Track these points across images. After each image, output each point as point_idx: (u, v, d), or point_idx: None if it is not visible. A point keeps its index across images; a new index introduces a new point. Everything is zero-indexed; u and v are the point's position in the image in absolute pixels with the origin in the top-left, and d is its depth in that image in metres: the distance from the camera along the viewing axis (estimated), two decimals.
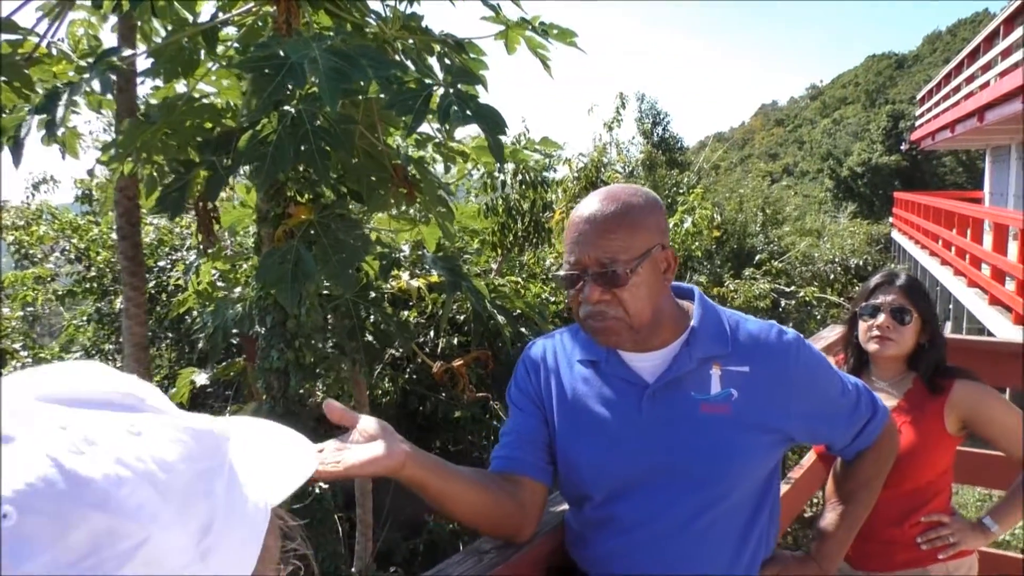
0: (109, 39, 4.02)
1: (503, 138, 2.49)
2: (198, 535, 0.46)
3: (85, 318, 5.98)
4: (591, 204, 1.45)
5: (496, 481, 1.49)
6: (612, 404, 1.51)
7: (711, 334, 1.51)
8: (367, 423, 1.29)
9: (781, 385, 1.48)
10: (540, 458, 1.57)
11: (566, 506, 1.68)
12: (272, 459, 0.57)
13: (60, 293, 5.85)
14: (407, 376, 4.85)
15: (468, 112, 2.31)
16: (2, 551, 0.39)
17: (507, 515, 1.49)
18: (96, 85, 2.23)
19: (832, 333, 3.32)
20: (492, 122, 2.36)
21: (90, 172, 4.61)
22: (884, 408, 1.66)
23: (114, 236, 6.10)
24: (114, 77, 3.16)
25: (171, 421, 0.50)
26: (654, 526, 1.47)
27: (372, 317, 3.44)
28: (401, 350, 4.50)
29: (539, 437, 1.58)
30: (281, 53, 2.13)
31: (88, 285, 5.88)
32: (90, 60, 3.45)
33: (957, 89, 18.43)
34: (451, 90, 2.34)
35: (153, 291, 5.81)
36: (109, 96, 3.33)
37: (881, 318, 2.16)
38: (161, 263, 5.85)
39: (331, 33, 2.45)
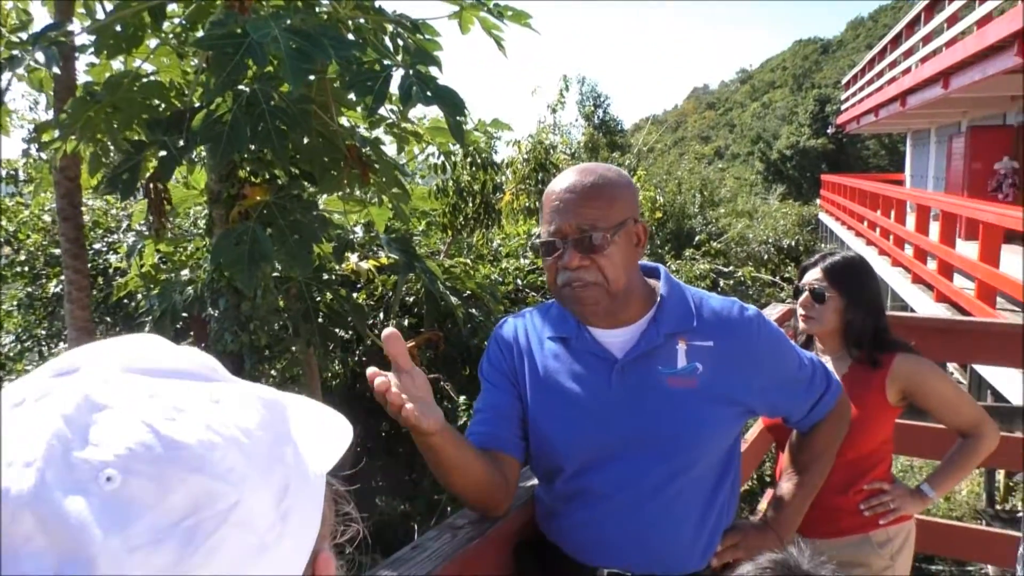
0: (39, 13, 3.86)
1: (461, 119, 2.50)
2: (278, 498, 0.49)
3: (15, 303, 5.75)
4: (569, 177, 1.51)
5: (486, 455, 1.53)
6: (583, 379, 1.56)
7: (677, 310, 1.57)
8: (420, 377, 1.35)
9: (743, 359, 1.55)
10: (515, 433, 1.61)
11: (535, 481, 1.73)
12: (316, 429, 0.59)
13: None
14: (357, 358, 4.83)
15: (428, 93, 2.31)
16: (109, 512, 0.41)
17: (496, 490, 1.54)
18: (40, 57, 2.15)
19: (775, 311, 3.45)
20: (451, 103, 2.37)
21: (26, 152, 4.41)
22: (837, 382, 1.75)
23: (45, 218, 5.88)
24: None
25: (243, 390, 0.52)
26: (623, 496, 1.53)
27: (325, 299, 3.42)
28: (351, 332, 4.47)
29: (513, 413, 1.62)
30: (240, 31, 2.09)
31: (18, 269, 5.65)
32: (22, 36, 3.32)
33: (880, 74, 19.07)
34: (411, 71, 2.34)
35: (90, 274, 5.61)
36: (48, 73, 3.21)
37: (802, 297, 2.28)
38: (97, 245, 5.66)
39: (284, 11, 2.42)
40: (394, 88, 2.38)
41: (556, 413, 1.57)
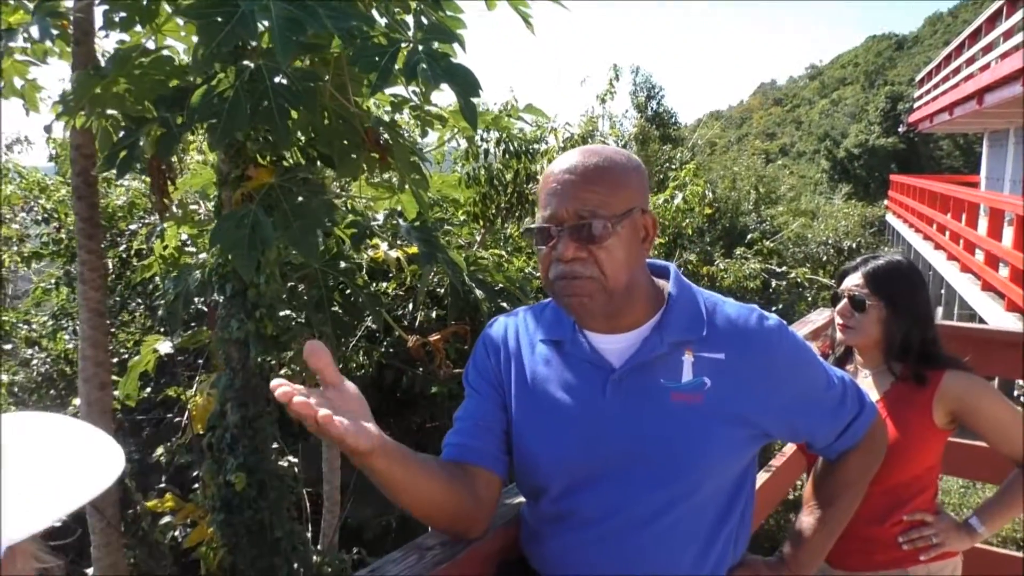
0: None
1: (477, 101, 2.33)
2: None
3: (53, 281, 5.81)
4: (571, 157, 1.34)
5: (453, 472, 1.36)
6: (574, 389, 1.38)
7: (685, 316, 1.38)
8: (351, 392, 1.16)
9: (759, 375, 1.35)
10: (496, 447, 1.45)
11: (521, 499, 1.56)
12: (34, 480, 0.43)
13: (26, 255, 5.67)
14: (383, 350, 4.72)
15: (438, 71, 2.15)
16: None
17: (464, 511, 1.37)
18: (35, 31, 2.05)
19: (820, 317, 3.20)
20: (464, 83, 2.20)
21: (47, 128, 4.41)
22: (871, 405, 1.53)
23: None
24: (71, 29, 2.99)
25: None
26: (612, 522, 1.35)
27: (343, 288, 3.30)
28: (376, 323, 4.36)
29: (496, 424, 1.46)
30: (234, 0, 1.96)
31: (56, 247, 5.70)
32: None
33: (957, 71, 18.21)
34: (420, 47, 2.18)
35: (124, 255, 5.64)
36: (67, 48, 3.15)
37: (841, 305, 2.04)
38: (133, 226, 5.67)
39: None
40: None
41: (542, 426, 1.40)
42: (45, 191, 5.90)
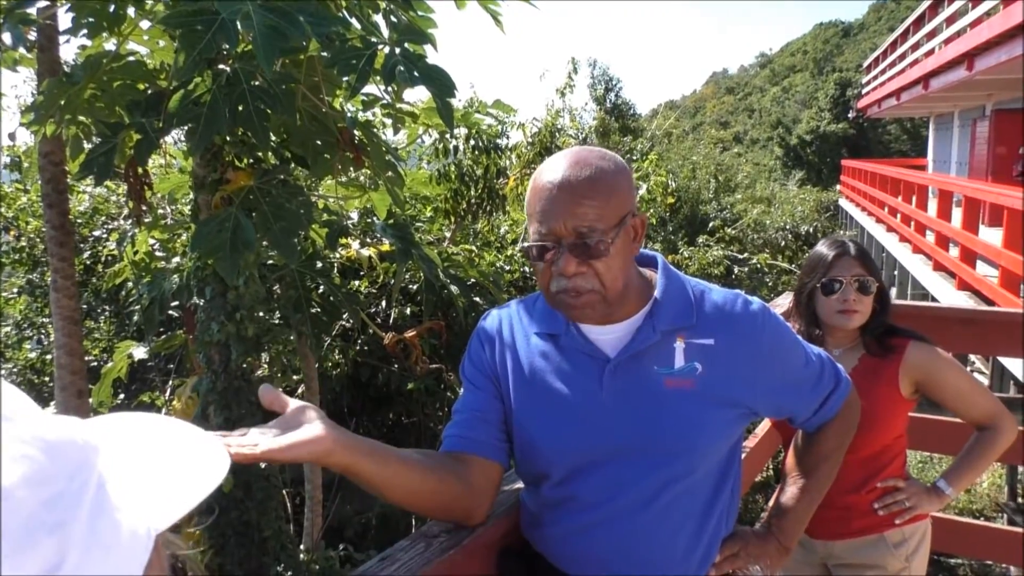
0: None
1: (452, 100, 2.38)
2: None
3: (16, 290, 5.70)
4: (559, 169, 1.34)
5: (443, 462, 1.40)
6: (571, 379, 1.43)
7: (675, 305, 1.43)
8: (297, 408, 1.18)
9: (747, 358, 1.42)
10: (494, 436, 1.49)
11: (519, 485, 1.62)
12: (164, 470, 0.47)
13: None
14: (358, 348, 4.73)
15: (415, 73, 2.19)
16: None
17: (455, 498, 1.40)
18: (7, 38, 2.04)
19: (787, 300, 3.31)
20: (441, 84, 2.25)
21: (11, 136, 4.31)
22: (847, 379, 1.62)
23: None
24: (34, 35, 2.95)
25: (15, 431, 0.39)
26: (614, 505, 1.41)
27: (319, 288, 3.32)
28: (352, 321, 4.37)
29: (493, 415, 1.50)
30: (212, 8, 1.97)
31: (17, 256, 5.59)
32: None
33: (902, 57, 18.68)
34: (397, 49, 2.22)
35: (88, 262, 5.55)
36: (30, 55, 3.11)
37: (848, 291, 2.10)
38: (97, 232, 5.58)
39: None
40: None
41: (542, 415, 1.45)
42: (4, 199, 5.78)
